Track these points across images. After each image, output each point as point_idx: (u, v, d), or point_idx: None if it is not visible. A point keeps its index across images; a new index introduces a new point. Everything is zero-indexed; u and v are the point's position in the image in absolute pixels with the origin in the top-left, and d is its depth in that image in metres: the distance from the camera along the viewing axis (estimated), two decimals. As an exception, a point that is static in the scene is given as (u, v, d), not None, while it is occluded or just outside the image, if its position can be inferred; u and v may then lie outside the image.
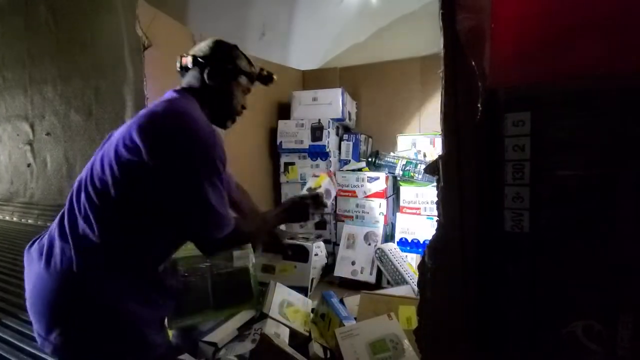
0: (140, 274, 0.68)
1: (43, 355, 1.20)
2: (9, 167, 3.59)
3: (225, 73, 0.82)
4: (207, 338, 0.91)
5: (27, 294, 0.66)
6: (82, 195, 0.67)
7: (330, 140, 1.63)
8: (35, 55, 2.91)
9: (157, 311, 0.71)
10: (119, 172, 0.65)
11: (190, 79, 0.82)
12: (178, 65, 0.83)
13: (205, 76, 0.80)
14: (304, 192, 1.06)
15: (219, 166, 0.70)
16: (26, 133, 3.01)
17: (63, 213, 0.69)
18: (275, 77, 0.92)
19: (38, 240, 0.71)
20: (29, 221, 2.97)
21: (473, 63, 0.41)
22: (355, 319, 0.97)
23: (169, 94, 0.78)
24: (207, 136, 0.70)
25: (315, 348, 0.89)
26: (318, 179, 1.15)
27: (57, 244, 0.65)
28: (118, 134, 0.71)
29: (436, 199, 0.45)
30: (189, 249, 1.01)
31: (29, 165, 3.05)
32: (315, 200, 0.94)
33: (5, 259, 2.40)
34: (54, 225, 0.69)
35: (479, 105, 0.41)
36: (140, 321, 0.66)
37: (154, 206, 0.67)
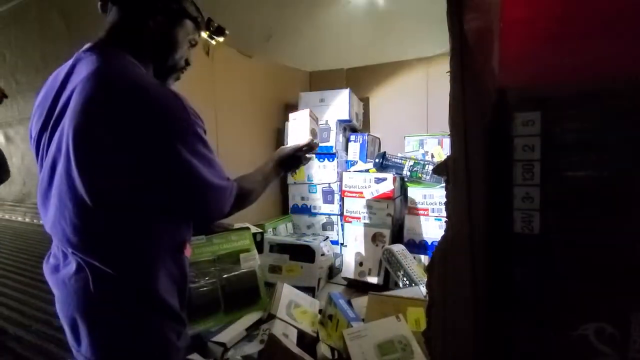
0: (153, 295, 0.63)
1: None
2: (22, 169, 3.66)
3: (169, 13, 0.67)
4: (216, 338, 0.91)
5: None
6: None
7: (337, 141, 1.63)
8: (49, 60, 2.96)
9: (180, 319, 0.68)
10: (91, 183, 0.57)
11: (117, 18, 0.65)
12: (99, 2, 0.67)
13: (145, 14, 0.64)
14: (291, 140, 1.04)
15: (199, 132, 0.60)
16: (38, 135, 3.07)
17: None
18: (227, 32, 0.78)
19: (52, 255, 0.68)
20: (41, 222, 3.04)
21: (481, 63, 0.41)
22: (363, 320, 0.97)
23: (91, 56, 0.60)
24: (173, 103, 0.58)
25: (323, 349, 0.89)
26: (300, 126, 1.03)
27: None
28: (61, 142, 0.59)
29: (444, 199, 0.45)
30: (197, 254, 1.01)
31: (41, 167, 3.11)
32: (307, 149, 0.97)
33: (17, 259, 2.44)
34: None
35: (487, 105, 0.40)
36: (164, 331, 0.65)
37: (140, 203, 0.58)
